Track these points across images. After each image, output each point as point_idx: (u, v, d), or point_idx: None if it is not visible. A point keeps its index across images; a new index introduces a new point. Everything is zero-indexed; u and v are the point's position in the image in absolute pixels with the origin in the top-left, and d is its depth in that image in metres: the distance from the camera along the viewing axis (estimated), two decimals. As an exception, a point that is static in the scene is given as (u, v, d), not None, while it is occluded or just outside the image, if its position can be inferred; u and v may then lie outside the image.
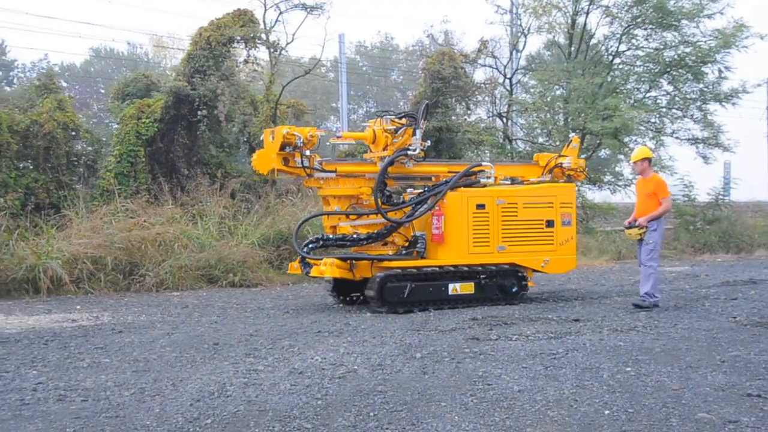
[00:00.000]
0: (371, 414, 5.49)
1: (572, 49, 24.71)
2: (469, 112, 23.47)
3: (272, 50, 20.36)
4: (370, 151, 11.47)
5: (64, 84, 46.22)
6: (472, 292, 10.80)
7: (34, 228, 14.02)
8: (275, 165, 10.45)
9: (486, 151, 24.34)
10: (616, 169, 27.26)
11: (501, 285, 11.04)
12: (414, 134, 10.97)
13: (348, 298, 11.49)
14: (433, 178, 11.49)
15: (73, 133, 18.31)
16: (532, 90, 26.51)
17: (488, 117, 25.57)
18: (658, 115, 24.38)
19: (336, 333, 8.67)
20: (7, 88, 48.67)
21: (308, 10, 20.22)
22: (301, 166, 10.53)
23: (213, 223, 15.27)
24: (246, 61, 19.92)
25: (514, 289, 11.11)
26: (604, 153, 30.28)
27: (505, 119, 25.06)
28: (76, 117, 18.72)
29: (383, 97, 61.57)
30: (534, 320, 9.74)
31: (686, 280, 14.64)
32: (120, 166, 17.54)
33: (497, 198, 11.02)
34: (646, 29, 23.72)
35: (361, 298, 11.19)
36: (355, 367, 6.90)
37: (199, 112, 18.19)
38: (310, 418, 5.40)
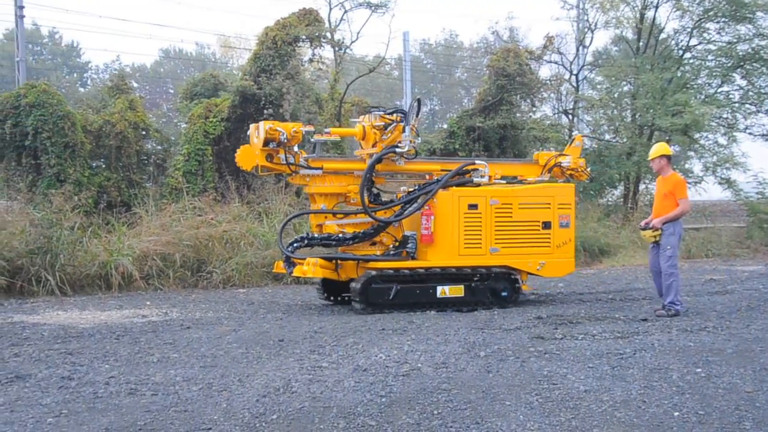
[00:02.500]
0: (435, 412, 5.48)
1: (640, 44, 24.28)
2: (534, 109, 23.28)
3: (337, 49, 20.49)
4: (361, 148, 11.22)
5: (135, 84, 47.36)
6: (462, 295, 10.34)
7: (106, 225, 14.36)
8: (259, 161, 10.21)
9: (551, 148, 24.10)
10: (686, 166, 26.66)
11: (493, 288, 10.52)
12: (404, 131, 10.61)
13: (337, 299, 11.17)
14: (427, 176, 11.08)
15: (144, 133, 18.74)
16: (598, 86, 26.12)
17: (554, 114, 25.32)
18: (730, 111, 23.81)
19: (400, 331, 8.68)
20: (81, 90, 50.04)
21: (373, 8, 20.30)
22: (285, 162, 10.27)
23: (278, 221, 15.43)
24: (311, 60, 20.08)
25: (505, 293, 10.58)
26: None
27: (571, 116, 24.76)
28: (146, 117, 19.15)
29: (447, 94, 61.46)
30: (600, 319, 9.60)
31: (759, 280, 14.25)
32: (188, 164, 17.87)
33: (491, 198, 10.56)
34: (718, 22, 23.17)
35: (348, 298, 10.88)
36: (419, 365, 6.90)
37: (265, 111, 18.38)
38: (374, 415, 5.41)
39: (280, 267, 10.80)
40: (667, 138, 23.52)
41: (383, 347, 7.69)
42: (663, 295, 10.03)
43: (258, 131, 10.19)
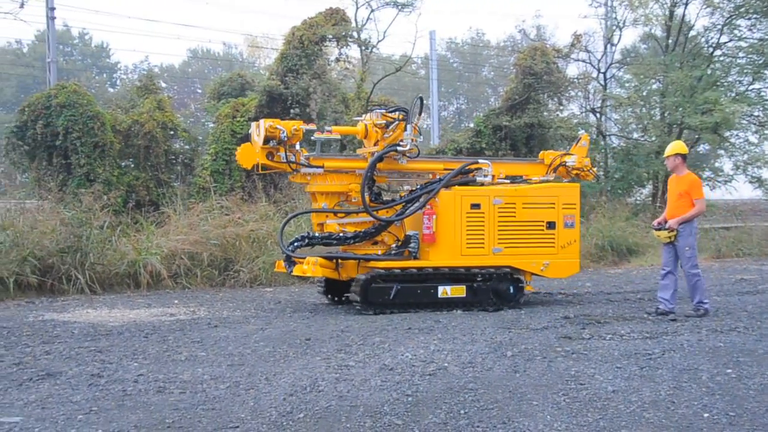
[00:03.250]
0: (462, 412, 5.47)
1: (670, 41, 24.08)
2: (561, 107, 23.16)
3: (363, 48, 20.52)
4: (364, 146, 11.12)
5: (163, 85, 47.75)
6: (464, 295, 10.19)
7: (134, 224, 14.48)
8: (259, 159, 10.10)
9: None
10: (716, 164, 26.42)
11: (495, 289, 10.33)
12: (405, 129, 10.47)
13: (340, 299, 11.05)
14: (430, 176, 10.94)
15: (172, 133, 18.89)
16: (627, 84, 25.92)
17: (581, 112, 25.16)
18: (761, 108, 23.50)
19: (426, 330, 8.67)
20: (111, 90, 50.55)
21: (399, 7, 20.31)
22: (285, 161, 10.17)
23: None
24: (338, 60, 20.14)
25: (508, 294, 10.41)
26: (702, 148, 29.43)
27: (598, 114, 24.59)
28: (174, 116, 19.30)
29: (474, 93, 61.30)
30: (628, 319, 9.53)
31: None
32: (215, 164, 17.99)
33: (494, 197, 10.40)
34: (749, 19, 22.92)
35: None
36: (446, 365, 6.89)
37: (291, 111, 18.47)
38: (400, 414, 5.42)
39: (281, 266, 10.73)
40: (696, 136, 23.34)
41: (410, 346, 7.68)
42: (662, 294, 9.91)
43: (258, 129, 10.13)
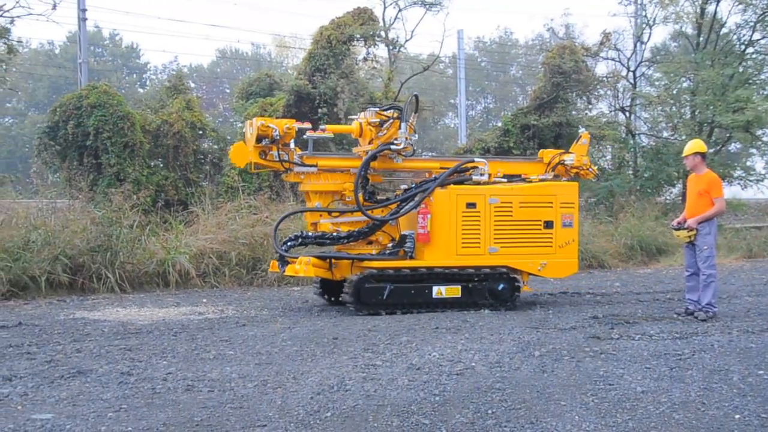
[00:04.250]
0: (489, 411, 5.45)
1: (701, 39, 23.83)
2: (590, 106, 23.03)
3: (391, 47, 20.53)
4: (359, 145, 10.96)
5: (192, 85, 48.09)
6: (459, 295, 10.06)
7: (164, 224, 14.59)
8: (252, 158, 10.01)
9: (608, 146, 23.80)
10: (747, 163, 26.10)
11: (491, 289, 10.19)
12: (400, 128, 10.29)
13: (337, 299, 10.83)
14: (427, 174, 10.76)
15: (200, 132, 19.01)
16: (656, 83, 25.68)
17: (610, 111, 24.98)
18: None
19: (453, 330, 8.65)
20: (140, 90, 51.01)
21: (427, 6, 20.30)
22: (278, 159, 10.09)
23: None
24: (365, 59, 20.16)
25: (504, 294, 10.23)
26: (734, 147, 29.11)
27: (628, 113, 24.40)
28: (203, 116, 19.44)
29: (502, 92, 61.09)
30: (658, 319, 9.45)
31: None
32: (244, 163, 18.04)
33: (490, 196, 10.25)
34: (783, 16, 22.59)
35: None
36: (473, 364, 6.87)
37: (319, 110, 18.51)
38: (428, 413, 5.41)
39: (275, 266, 10.62)
40: (728, 135, 23.07)
41: (437, 346, 7.67)
42: (690, 295, 9.83)
43: (251, 128, 10.04)
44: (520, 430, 5.08)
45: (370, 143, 10.56)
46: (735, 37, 23.98)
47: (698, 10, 23.37)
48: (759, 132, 22.56)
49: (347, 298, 10.05)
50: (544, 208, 10.47)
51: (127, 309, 10.49)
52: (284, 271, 10.27)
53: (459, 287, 10.11)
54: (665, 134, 24.80)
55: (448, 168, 10.55)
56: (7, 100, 49.57)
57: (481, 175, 10.54)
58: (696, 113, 22.99)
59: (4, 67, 17.75)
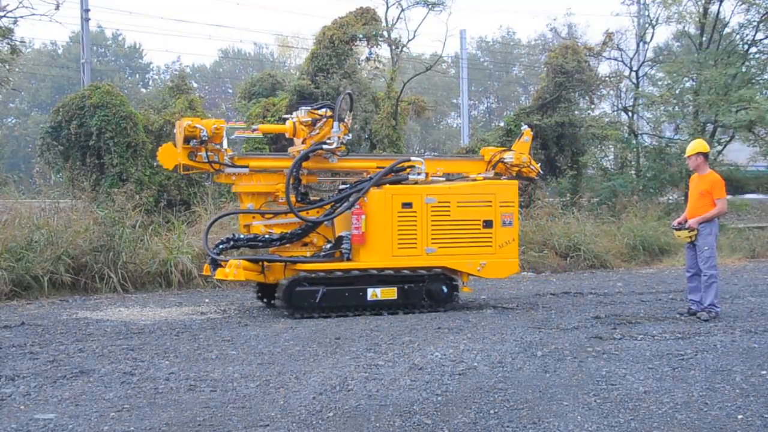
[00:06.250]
0: (491, 411, 5.45)
1: (704, 39, 23.78)
2: (592, 106, 23.00)
3: (394, 47, 20.51)
4: (294, 145, 10.79)
5: (195, 85, 48.10)
6: (395, 297, 9.83)
7: (166, 224, 14.60)
8: (181, 159, 9.81)
9: (610, 146, 23.79)
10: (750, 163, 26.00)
11: (429, 290, 9.99)
12: (333, 126, 10.10)
13: (273, 302, 10.61)
14: (364, 174, 10.59)
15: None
16: (659, 82, 25.66)
17: (613, 111, 24.95)
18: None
19: (456, 330, 8.66)
20: (143, 90, 51.08)
21: (430, 6, 20.25)
22: (207, 161, 9.87)
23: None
24: (368, 59, 20.16)
25: (442, 295, 10.06)
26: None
27: (630, 113, 24.38)
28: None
29: (504, 92, 61.08)
30: (660, 320, 9.44)
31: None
32: (246, 163, 18.05)
33: (426, 196, 10.02)
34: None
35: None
36: (475, 364, 6.87)
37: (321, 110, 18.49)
38: (430, 413, 5.41)
39: (208, 270, 10.40)
40: (730, 134, 23.04)
41: (439, 346, 7.68)
42: (692, 296, 9.81)
43: (179, 129, 9.84)
44: (522, 431, 5.08)
45: (303, 143, 10.34)
46: (738, 36, 23.94)
47: (701, 10, 23.33)
48: (763, 132, 22.52)
49: (279, 302, 9.89)
50: (483, 207, 10.26)
51: (129, 309, 10.51)
52: (215, 275, 10.06)
53: (395, 289, 9.89)
54: (668, 134, 24.77)
55: (384, 167, 10.37)
56: (10, 100, 49.62)
57: (418, 174, 10.35)
58: (699, 113, 22.97)
59: (7, 67, 17.76)
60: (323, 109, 10.29)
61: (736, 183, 23.26)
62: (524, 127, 11.40)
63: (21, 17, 16.70)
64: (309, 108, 10.40)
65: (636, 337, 8.14)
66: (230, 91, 53.83)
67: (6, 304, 10.85)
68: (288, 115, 10.87)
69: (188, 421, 5.25)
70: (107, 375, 6.57)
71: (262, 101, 20.09)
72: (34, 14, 16.61)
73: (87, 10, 23.65)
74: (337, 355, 7.36)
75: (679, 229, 9.83)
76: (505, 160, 10.88)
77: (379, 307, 9.88)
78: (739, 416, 5.35)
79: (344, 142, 10.25)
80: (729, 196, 12.48)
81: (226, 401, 5.75)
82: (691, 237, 9.65)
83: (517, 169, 10.97)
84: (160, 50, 66.22)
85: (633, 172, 23.54)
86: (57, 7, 16.56)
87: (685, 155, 10.17)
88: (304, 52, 36.42)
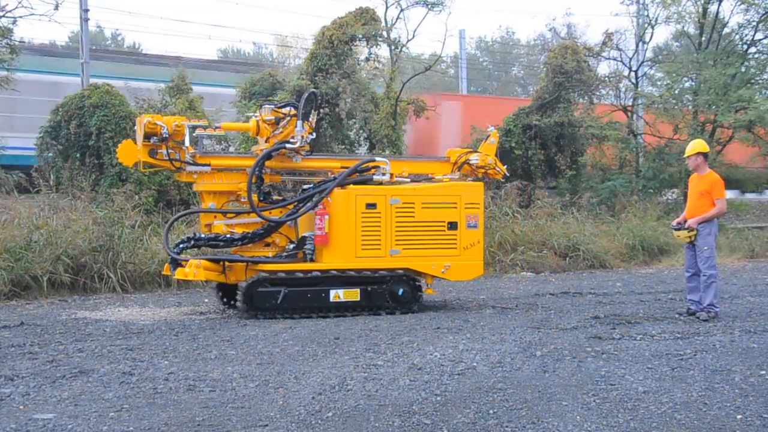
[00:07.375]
0: (491, 411, 5.46)
1: (703, 39, 23.79)
2: (592, 106, 22.98)
3: (393, 47, 20.50)
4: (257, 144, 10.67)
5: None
6: (358, 299, 9.75)
7: (165, 224, 14.57)
8: (141, 157, 9.65)
9: (610, 146, 23.77)
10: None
11: (392, 292, 9.87)
12: (296, 125, 9.97)
13: (233, 302, 10.40)
14: (330, 173, 10.48)
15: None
16: (659, 82, 25.65)
17: (612, 111, 24.90)
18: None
19: (455, 330, 8.66)
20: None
21: (429, 6, 20.25)
22: (167, 158, 9.71)
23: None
24: (367, 59, 20.13)
25: (405, 297, 9.93)
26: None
27: (630, 113, 24.37)
28: (206, 116, 19.40)
29: (504, 92, 61.11)
30: (660, 320, 9.45)
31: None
32: (246, 163, 18.03)
33: (391, 197, 9.93)
34: (786, 15, 22.56)
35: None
36: (474, 364, 6.87)
37: (321, 110, 18.49)
38: (429, 413, 5.41)
39: (168, 269, 10.25)
40: (729, 135, 23.04)
41: (438, 346, 7.68)
42: (691, 296, 9.80)
43: (139, 125, 9.71)
44: (521, 430, 5.09)
45: (267, 141, 10.22)
46: (737, 37, 23.95)
47: (700, 10, 23.33)
48: (762, 132, 22.51)
49: (239, 304, 9.82)
50: (448, 208, 10.16)
51: (128, 309, 10.51)
52: (175, 275, 9.93)
53: (358, 290, 9.79)
54: (667, 134, 24.76)
55: (348, 167, 10.29)
56: (9, 100, 49.52)
57: (383, 174, 10.28)
58: (698, 113, 22.98)
59: (6, 66, 17.76)
60: (287, 108, 10.16)
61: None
62: (491, 129, 11.32)
63: (20, 17, 16.72)
64: (273, 106, 10.27)
65: (635, 337, 8.15)
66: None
67: (5, 304, 10.84)
68: (251, 114, 10.79)
69: (187, 421, 5.26)
70: (106, 375, 6.57)
71: (261, 101, 20.05)
72: (33, 14, 16.65)
73: (86, 10, 23.60)
74: (336, 355, 7.36)
75: (679, 229, 9.83)
76: (471, 162, 10.77)
77: (342, 309, 9.79)
78: (738, 416, 5.36)
79: (308, 141, 10.15)
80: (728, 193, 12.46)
81: (225, 401, 5.75)
82: (690, 237, 9.65)
83: (483, 170, 10.88)
84: (159, 50, 66.00)
85: (632, 172, 23.53)
86: (56, 7, 16.58)
87: (685, 155, 10.18)
88: (303, 52, 36.42)
